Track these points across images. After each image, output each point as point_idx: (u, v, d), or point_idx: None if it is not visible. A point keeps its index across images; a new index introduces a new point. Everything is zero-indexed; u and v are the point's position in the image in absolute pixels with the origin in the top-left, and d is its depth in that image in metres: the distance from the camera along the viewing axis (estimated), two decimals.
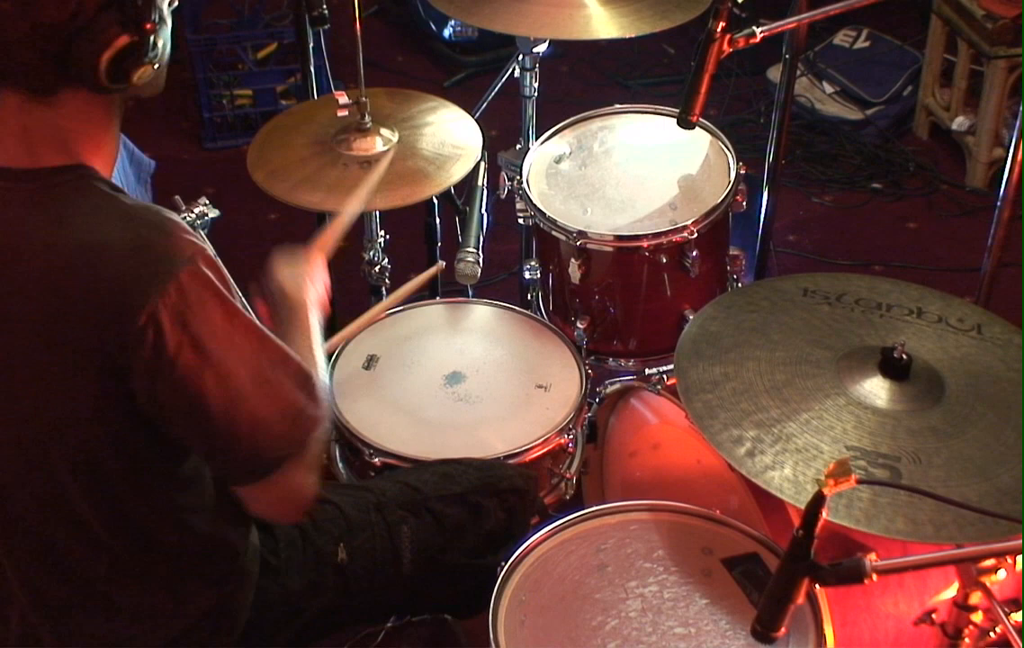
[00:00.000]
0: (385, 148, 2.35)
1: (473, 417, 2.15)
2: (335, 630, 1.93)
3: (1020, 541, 1.41)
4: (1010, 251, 2.37)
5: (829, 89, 4.09)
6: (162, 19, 1.50)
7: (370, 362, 2.26)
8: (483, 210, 2.45)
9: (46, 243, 1.43)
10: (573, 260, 2.27)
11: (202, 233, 2.13)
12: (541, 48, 2.61)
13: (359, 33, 2.36)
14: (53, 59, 1.41)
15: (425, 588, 1.90)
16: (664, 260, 2.27)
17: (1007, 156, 2.23)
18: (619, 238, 2.27)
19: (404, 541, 1.85)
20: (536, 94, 2.67)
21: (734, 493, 1.95)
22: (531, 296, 2.52)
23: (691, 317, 2.04)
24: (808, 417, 1.71)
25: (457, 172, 2.32)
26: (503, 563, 1.76)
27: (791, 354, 1.83)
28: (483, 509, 1.92)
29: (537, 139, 2.53)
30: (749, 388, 1.77)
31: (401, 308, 2.41)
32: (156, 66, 1.50)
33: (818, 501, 1.29)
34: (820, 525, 1.29)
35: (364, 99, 2.36)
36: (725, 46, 1.90)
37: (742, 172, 2.34)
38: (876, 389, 1.75)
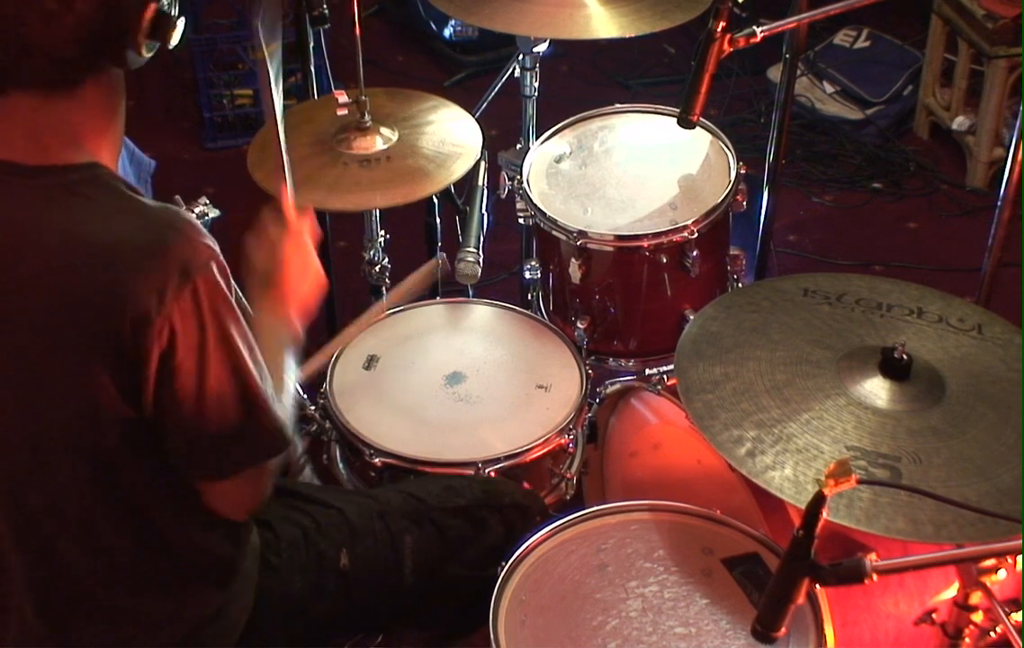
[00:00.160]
0: (385, 146, 2.35)
1: (473, 417, 2.15)
2: (334, 636, 1.93)
3: (1020, 541, 1.41)
4: (1010, 251, 2.37)
5: (829, 89, 4.09)
6: None
7: (370, 362, 2.26)
8: (483, 210, 2.45)
9: (62, 239, 1.43)
10: (573, 260, 2.27)
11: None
12: (541, 48, 2.61)
13: (359, 33, 2.36)
14: (91, 48, 1.42)
15: (425, 599, 1.90)
16: (664, 260, 2.27)
17: (1007, 156, 2.23)
18: (619, 238, 2.27)
19: (406, 551, 1.86)
20: (536, 94, 2.67)
21: (734, 493, 1.95)
22: (531, 296, 2.52)
23: (691, 317, 2.04)
24: (808, 417, 1.71)
25: (457, 170, 2.32)
26: (503, 563, 1.76)
27: (791, 354, 1.83)
28: (485, 523, 1.92)
29: (537, 139, 2.53)
30: (749, 388, 1.77)
31: (401, 308, 2.41)
32: (183, 19, 1.51)
33: (818, 501, 1.29)
34: (820, 525, 1.29)
35: (364, 98, 2.36)
36: (725, 46, 1.90)
37: (742, 172, 2.34)
38: (876, 389, 1.75)
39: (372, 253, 2.66)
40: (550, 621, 1.69)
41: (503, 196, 2.56)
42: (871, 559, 1.31)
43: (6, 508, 1.54)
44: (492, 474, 2.04)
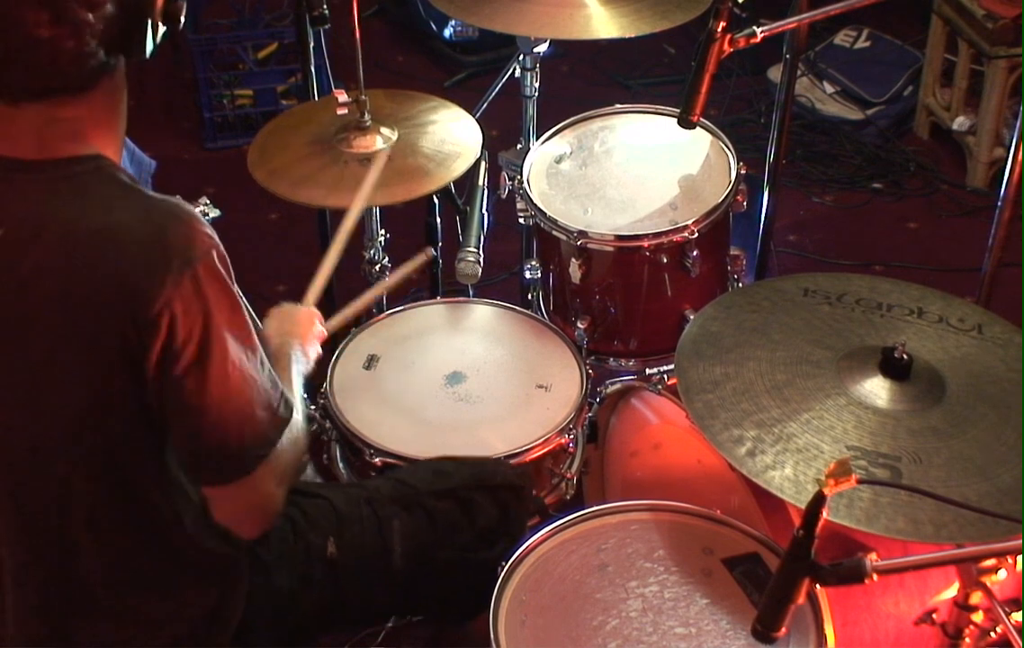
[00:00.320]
0: (385, 146, 2.35)
1: (474, 417, 2.15)
2: (329, 629, 1.93)
3: (1020, 541, 1.41)
4: (1010, 251, 2.37)
5: (830, 89, 4.09)
6: None
7: (371, 362, 2.26)
8: (484, 210, 2.45)
9: (65, 231, 1.44)
10: (574, 260, 2.27)
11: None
12: (542, 48, 2.61)
13: (359, 33, 2.36)
14: (114, 45, 1.43)
15: (418, 585, 1.89)
16: (665, 260, 2.27)
17: (1007, 156, 2.23)
18: (620, 238, 2.27)
19: (394, 535, 1.85)
20: (537, 94, 2.67)
21: (735, 493, 1.95)
22: (532, 296, 2.52)
23: (692, 317, 2.04)
24: (809, 417, 1.71)
25: (457, 169, 2.32)
26: (504, 563, 1.76)
27: (792, 354, 1.83)
28: (476, 505, 1.91)
29: (538, 139, 2.54)
30: (750, 388, 1.77)
31: (401, 308, 2.41)
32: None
33: (819, 501, 1.29)
34: (821, 525, 1.29)
35: (363, 98, 2.36)
36: (726, 46, 1.90)
37: (743, 172, 2.35)
38: (877, 389, 1.75)
39: (372, 252, 2.66)
40: (550, 621, 1.69)
41: (503, 196, 2.57)
42: (871, 559, 1.31)
43: (10, 507, 1.54)
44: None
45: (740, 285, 2.41)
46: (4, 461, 1.52)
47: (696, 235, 2.25)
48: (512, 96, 2.74)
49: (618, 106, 2.60)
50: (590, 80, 4.28)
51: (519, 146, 2.72)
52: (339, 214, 2.16)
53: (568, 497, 2.20)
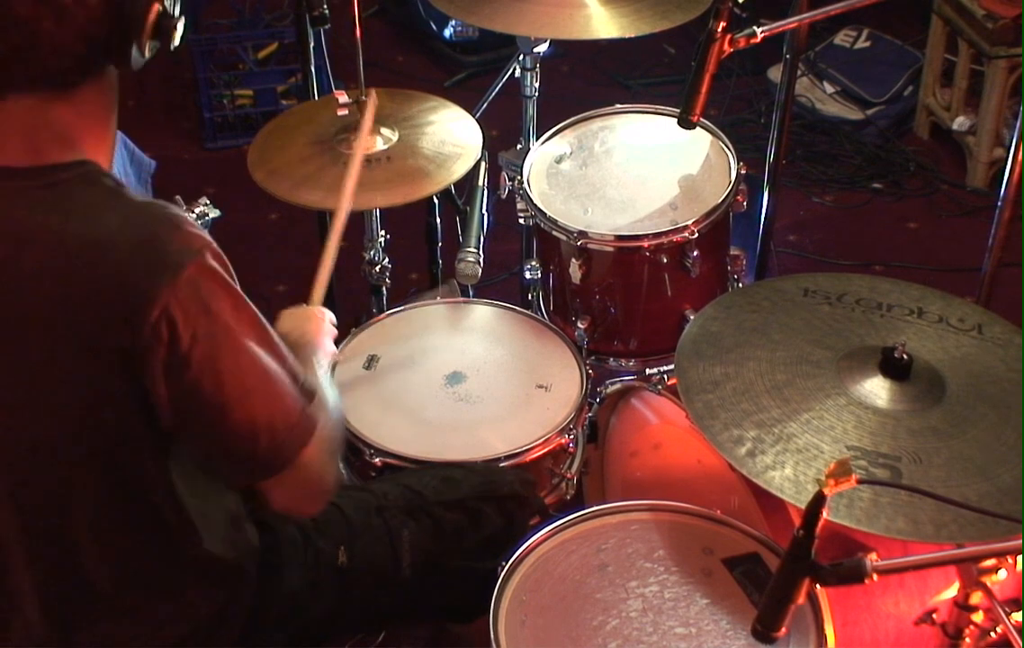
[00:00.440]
0: (385, 146, 2.35)
1: (474, 417, 2.15)
2: (334, 634, 1.93)
3: (1020, 541, 1.41)
4: (1010, 251, 2.37)
5: (830, 89, 4.09)
6: None
7: (371, 362, 2.26)
8: (484, 210, 2.45)
9: (53, 238, 1.43)
10: (574, 260, 2.27)
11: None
12: (542, 48, 2.61)
13: (359, 33, 2.36)
14: (98, 47, 1.43)
15: (423, 593, 1.90)
16: (665, 260, 2.27)
17: (1008, 156, 2.23)
18: (620, 238, 2.27)
19: (404, 546, 1.86)
20: (537, 94, 2.67)
21: (735, 493, 1.95)
22: (532, 296, 2.52)
23: (692, 317, 2.04)
24: (809, 417, 1.71)
25: (458, 170, 2.32)
26: (503, 563, 1.76)
27: (792, 354, 1.83)
28: (483, 515, 1.92)
29: (538, 139, 2.53)
30: (750, 388, 1.77)
31: (401, 308, 2.41)
32: (183, 19, 1.52)
33: (819, 501, 1.29)
34: (821, 525, 1.29)
35: (364, 98, 2.36)
36: (726, 46, 1.90)
37: (743, 172, 2.34)
38: (877, 389, 1.75)
39: (372, 253, 2.66)
40: (550, 621, 1.69)
41: (503, 196, 2.56)
42: (871, 559, 1.31)
43: (10, 508, 1.54)
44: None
45: (740, 285, 2.41)
46: (4, 462, 1.52)
47: (696, 235, 2.25)
48: (512, 96, 2.74)
49: (618, 106, 2.60)
50: (590, 80, 4.28)
51: (519, 146, 2.72)
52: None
53: (568, 497, 2.20)
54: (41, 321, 1.43)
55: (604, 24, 2.41)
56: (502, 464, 2.05)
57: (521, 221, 2.43)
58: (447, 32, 4.35)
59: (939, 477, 1.62)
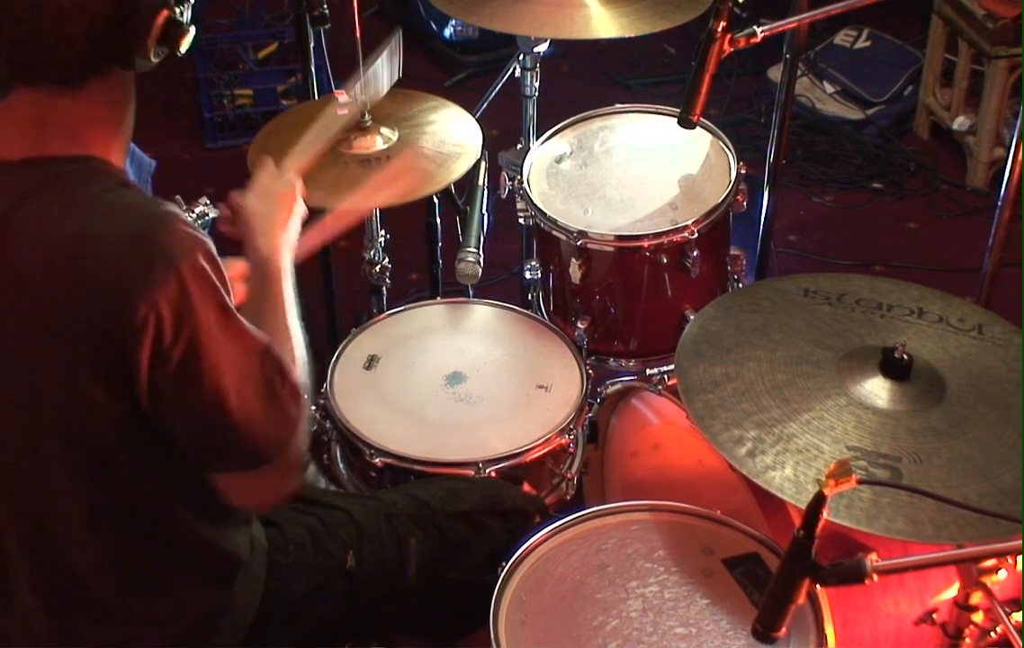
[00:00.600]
0: (385, 146, 2.35)
1: (474, 417, 2.15)
2: (338, 638, 1.93)
3: (1021, 541, 1.41)
4: (1010, 251, 2.37)
5: (830, 89, 4.09)
6: None
7: (371, 362, 2.26)
8: (484, 210, 2.45)
9: (50, 232, 1.43)
10: (574, 260, 2.27)
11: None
12: (542, 48, 2.61)
13: (359, 33, 2.36)
14: (103, 48, 1.42)
15: (426, 602, 1.91)
16: (665, 260, 2.27)
17: (1008, 156, 2.23)
18: (620, 238, 2.27)
19: (411, 553, 1.86)
20: (537, 94, 2.67)
21: (735, 493, 1.95)
22: (532, 296, 2.52)
23: (692, 317, 2.04)
24: (809, 417, 1.71)
25: (457, 170, 2.32)
26: (504, 563, 1.76)
27: (792, 354, 1.83)
28: (487, 528, 1.93)
29: (538, 139, 2.53)
30: (750, 388, 1.77)
31: (401, 308, 2.41)
32: (193, 28, 1.52)
33: (819, 501, 1.29)
34: (821, 525, 1.29)
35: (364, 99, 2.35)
36: (726, 46, 1.90)
37: (743, 172, 2.34)
38: (877, 389, 1.75)
39: (372, 253, 2.66)
40: (551, 621, 1.69)
41: (503, 196, 2.56)
42: (871, 559, 1.31)
43: (7, 507, 1.54)
44: (492, 474, 2.04)
45: (740, 285, 2.41)
46: (1, 459, 1.52)
47: (696, 235, 2.24)
48: (512, 96, 2.74)
49: (618, 106, 2.60)
50: (590, 80, 4.28)
51: (519, 146, 2.72)
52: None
53: (568, 497, 2.20)
54: (34, 314, 1.43)
55: (604, 24, 2.41)
56: (503, 465, 2.05)
57: (521, 221, 2.43)
58: (447, 32, 4.35)
59: (939, 477, 1.62)
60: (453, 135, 2.42)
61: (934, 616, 1.72)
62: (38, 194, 1.45)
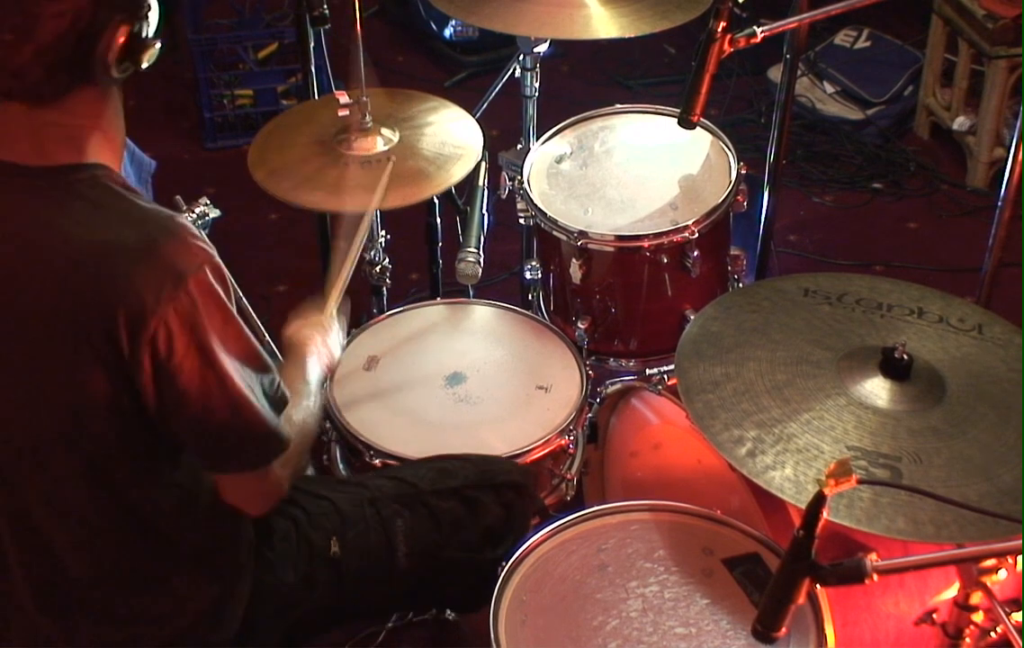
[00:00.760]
0: (386, 147, 2.35)
1: (474, 418, 2.15)
2: (332, 626, 1.93)
3: (1021, 541, 1.41)
4: (1010, 251, 2.37)
5: (830, 89, 4.09)
6: None
7: (371, 363, 2.26)
8: (484, 210, 2.45)
9: (58, 240, 1.44)
10: (574, 260, 2.27)
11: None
12: (542, 48, 2.61)
13: (360, 33, 2.36)
14: (62, 69, 1.43)
15: (423, 584, 1.90)
16: (665, 260, 2.27)
17: (1008, 156, 2.23)
18: (620, 238, 2.27)
19: (398, 535, 1.86)
20: (537, 94, 2.67)
21: (735, 493, 1.95)
22: (532, 296, 2.52)
23: (692, 317, 2.04)
24: (809, 417, 1.71)
25: (458, 172, 2.32)
26: (504, 563, 1.76)
27: (792, 354, 1.83)
28: (480, 504, 1.92)
29: (538, 139, 2.54)
30: (750, 388, 1.77)
31: (401, 308, 2.41)
32: (158, 43, 1.52)
33: (819, 501, 1.29)
34: (821, 525, 1.29)
35: (365, 99, 2.36)
36: (726, 46, 1.90)
37: (743, 172, 2.35)
38: (877, 389, 1.75)
39: (372, 253, 2.66)
40: (551, 621, 1.69)
41: (504, 196, 2.56)
42: (871, 559, 1.31)
43: (5, 507, 1.54)
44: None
45: (740, 285, 2.41)
46: (2, 459, 1.52)
47: (696, 235, 2.25)
48: (512, 96, 2.74)
49: (618, 106, 2.60)
50: (590, 80, 4.28)
51: (519, 146, 2.72)
52: (338, 215, 2.16)
53: (568, 498, 2.20)
54: (41, 319, 1.44)
55: (604, 24, 2.41)
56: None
57: (521, 221, 2.44)
58: (447, 32, 4.35)
59: (939, 477, 1.62)
60: (453, 135, 2.42)
61: (934, 616, 1.72)
62: (52, 203, 1.46)
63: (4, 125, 1.47)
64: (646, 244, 2.25)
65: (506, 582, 1.74)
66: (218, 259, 1.49)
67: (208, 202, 2.27)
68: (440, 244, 2.69)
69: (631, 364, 2.38)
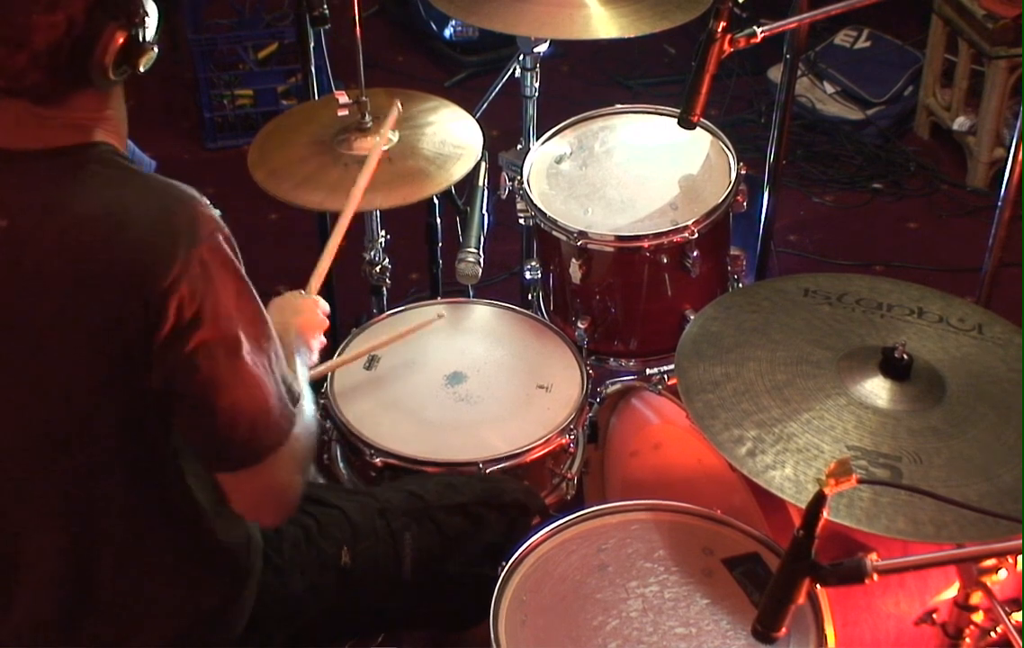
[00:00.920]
0: (385, 148, 2.35)
1: (474, 417, 2.15)
2: (335, 635, 1.93)
3: (1021, 541, 1.41)
4: (1010, 251, 2.37)
5: (830, 89, 4.09)
6: None
7: (371, 362, 2.26)
8: (484, 210, 2.45)
9: (70, 217, 1.44)
10: (574, 260, 2.27)
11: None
12: (542, 48, 2.61)
13: (359, 33, 2.36)
14: (60, 74, 1.43)
15: (424, 597, 1.91)
16: (665, 260, 2.27)
17: (1008, 156, 2.23)
18: (620, 238, 2.27)
19: (406, 548, 1.86)
20: (537, 94, 2.67)
21: (735, 493, 1.95)
22: (532, 296, 2.52)
23: (692, 317, 2.04)
24: (809, 417, 1.71)
25: (458, 172, 2.32)
26: (504, 563, 1.76)
27: (792, 354, 1.83)
28: (484, 520, 1.93)
29: (538, 139, 2.53)
30: (750, 388, 1.77)
31: (401, 308, 2.41)
32: (155, 46, 1.52)
33: (819, 501, 1.29)
34: (821, 525, 1.29)
35: (364, 99, 2.36)
36: (726, 46, 1.90)
37: (743, 172, 2.34)
38: (877, 389, 1.75)
39: (372, 254, 2.66)
40: (551, 621, 1.69)
41: (503, 196, 2.57)
42: (872, 559, 1.31)
43: (16, 496, 1.54)
44: (493, 474, 2.04)
45: (740, 285, 2.41)
46: (18, 447, 1.52)
47: (696, 235, 2.25)
48: (512, 96, 2.74)
49: (618, 106, 2.60)
50: (590, 80, 4.28)
51: (519, 146, 2.72)
52: (338, 214, 2.16)
53: (568, 497, 2.20)
54: (57, 295, 1.44)
55: (604, 24, 2.41)
56: (503, 465, 2.05)
57: (521, 221, 2.43)
58: (447, 32, 4.35)
59: (939, 477, 1.62)
60: (453, 135, 2.42)
61: (934, 616, 1.72)
62: (57, 182, 1.46)
63: (6, 118, 1.47)
64: (646, 244, 2.25)
65: (506, 582, 1.74)
66: (228, 231, 1.48)
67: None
68: (440, 244, 2.69)
69: (631, 364, 2.38)
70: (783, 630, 1.34)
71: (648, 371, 2.25)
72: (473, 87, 4.00)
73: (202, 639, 1.66)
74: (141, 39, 1.49)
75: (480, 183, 2.47)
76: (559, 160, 2.48)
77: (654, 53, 4.39)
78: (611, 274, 2.31)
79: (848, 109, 4.04)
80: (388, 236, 2.68)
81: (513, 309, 2.41)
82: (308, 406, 1.63)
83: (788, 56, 2.45)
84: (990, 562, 1.57)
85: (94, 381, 1.46)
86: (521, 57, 2.63)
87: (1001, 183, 2.24)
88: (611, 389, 2.31)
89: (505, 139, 2.79)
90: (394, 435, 2.09)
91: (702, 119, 2.07)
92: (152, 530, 1.59)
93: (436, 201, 2.60)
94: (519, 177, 2.41)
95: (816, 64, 4.12)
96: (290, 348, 1.78)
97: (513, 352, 2.29)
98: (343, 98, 2.36)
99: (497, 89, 2.85)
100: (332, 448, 2.21)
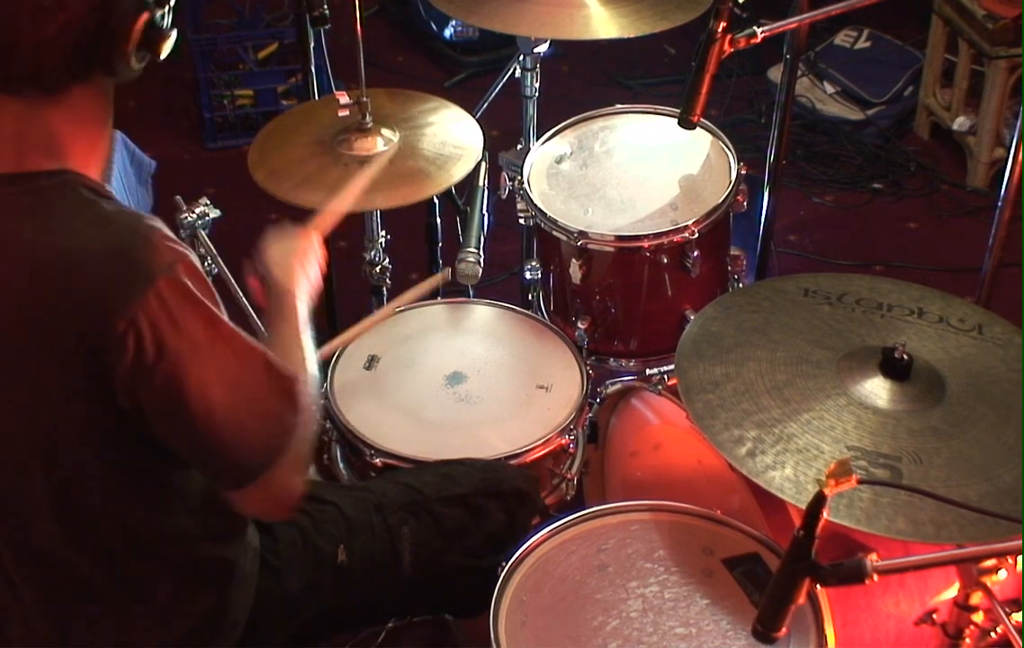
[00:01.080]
0: (386, 148, 2.35)
1: (474, 417, 2.15)
2: (335, 632, 1.93)
3: (1021, 541, 1.41)
4: (1010, 251, 2.37)
5: (830, 89, 4.09)
6: None
7: (371, 362, 2.26)
8: (484, 210, 2.45)
9: (26, 247, 1.41)
10: (574, 260, 2.27)
11: (185, 241, 2.11)
12: (542, 48, 2.61)
13: (360, 33, 2.36)
14: (80, 53, 1.41)
15: (425, 589, 1.90)
16: (665, 260, 2.27)
17: (1008, 156, 2.23)
18: (620, 238, 2.27)
19: (404, 543, 1.85)
20: (537, 94, 2.67)
21: (735, 493, 1.95)
22: (532, 296, 2.52)
23: (692, 317, 2.04)
24: (809, 417, 1.71)
25: (458, 172, 2.32)
26: (504, 563, 1.76)
27: (792, 354, 1.83)
28: (484, 511, 1.92)
29: (538, 139, 2.54)
30: (750, 388, 1.77)
31: (402, 308, 2.41)
32: (174, 32, 1.50)
33: (819, 501, 1.29)
34: (821, 525, 1.29)
35: (365, 99, 2.36)
36: (726, 46, 1.90)
37: (743, 172, 2.35)
38: (877, 389, 1.75)
39: (373, 253, 2.66)
40: (551, 621, 1.69)
41: (504, 196, 2.57)
42: (872, 559, 1.31)
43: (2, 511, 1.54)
44: None
45: (740, 285, 2.41)
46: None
47: (696, 235, 2.25)
48: (512, 96, 2.74)
49: (618, 106, 2.60)
50: (590, 80, 4.28)
51: (519, 146, 2.72)
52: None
53: (568, 497, 2.20)
54: (11, 328, 1.42)
55: (604, 24, 2.41)
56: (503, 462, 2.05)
57: (521, 221, 2.43)
58: (447, 32, 4.35)
59: (939, 477, 1.62)
60: (453, 136, 2.42)
61: (934, 616, 1.72)
62: (18, 210, 1.43)
63: None
64: (646, 244, 2.25)
65: (506, 582, 1.74)
66: (193, 260, 1.45)
67: (208, 202, 2.27)
68: (440, 244, 2.69)
69: (631, 364, 2.38)
70: (783, 630, 1.34)
71: (648, 371, 2.25)
72: (473, 87, 4.00)
73: (199, 642, 1.65)
74: (164, 22, 1.47)
75: (480, 183, 2.47)
76: (559, 160, 2.48)
77: (654, 53, 4.39)
78: (611, 274, 2.31)
79: (848, 109, 4.04)
80: (388, 236, 2.68)
81: (513, 309, 2.41)
82: (311, 369, 1.62)
83: (788, 56, 2.45)
84: (990, 562, 1.57)
85: (56, 413, 1.44)
86: (521, 57, 2.63)
87: (1001, 183, 2.24)
88: (611, 389, 2.31)
89: (505, 139, 2.79)
90: (394, 435, 2.09)
91: (702, 119, 2.07)
92: (140, 546, 1.57)
93: (436, 201, 2.60)
94: (519, 177, 2.41)
95: (816, 64, 4.12)
96: (289, 300, 1.71)
97: (513, 352, 2.29)
98: (343, 98, 2.36)
99: (497, 89, 2.85)
100: (332, 448, 2.21)
